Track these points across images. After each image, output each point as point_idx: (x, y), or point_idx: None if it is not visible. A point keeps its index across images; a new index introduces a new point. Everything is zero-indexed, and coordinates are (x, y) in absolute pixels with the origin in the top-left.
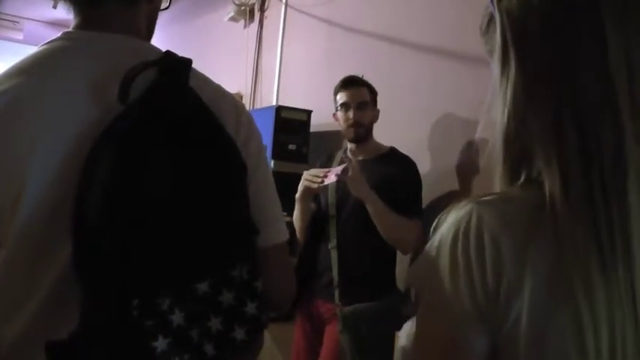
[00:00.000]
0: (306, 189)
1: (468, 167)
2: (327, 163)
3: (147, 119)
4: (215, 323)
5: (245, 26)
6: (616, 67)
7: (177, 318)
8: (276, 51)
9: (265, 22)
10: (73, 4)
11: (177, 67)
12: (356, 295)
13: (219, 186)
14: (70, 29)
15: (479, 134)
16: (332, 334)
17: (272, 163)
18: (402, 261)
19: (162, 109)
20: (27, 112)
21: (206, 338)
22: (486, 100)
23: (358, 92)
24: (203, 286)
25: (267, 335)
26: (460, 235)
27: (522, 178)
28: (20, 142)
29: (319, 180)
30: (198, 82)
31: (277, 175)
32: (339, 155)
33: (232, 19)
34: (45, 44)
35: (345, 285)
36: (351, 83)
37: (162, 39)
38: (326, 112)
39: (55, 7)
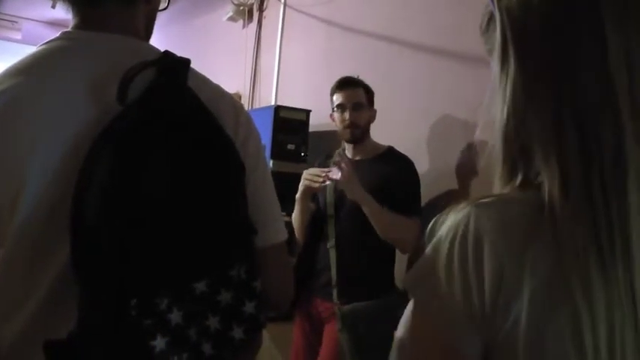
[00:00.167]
0: (307, 188)
1: (466, 167)
2: (326, 163)
3: (145, 119)
4: (213, 322)
5: (244, 26)
6: (616, 67)
7: (175, 317)
8: (274, 51)
9: (264, 22)
10: (72, 5)
11: (175, 67)
12: (354, 294)
13: (218, 186)
14: (68, 29)
15: (477, 134)
16: (331, 333)
17: (271, 162)
18: (400, 260)
19: (161, 109)
20: (26, 112)
21: (204, 337)
22: (485, 99)
23: (354, 93)
24: (201, 286)
25: (265, 335)
26: (458, 238)
27: (521, 179)
28: (19, 142)
29: (321, 180)
30: (196, 82)
31: (276, 174)
32: (337, 155)
33: (231, 19)
34: (44, 44)
35: (344, 284)
36: (346, 84)
37: (160, 39)
38: (325, 112)
39: (53, 7)
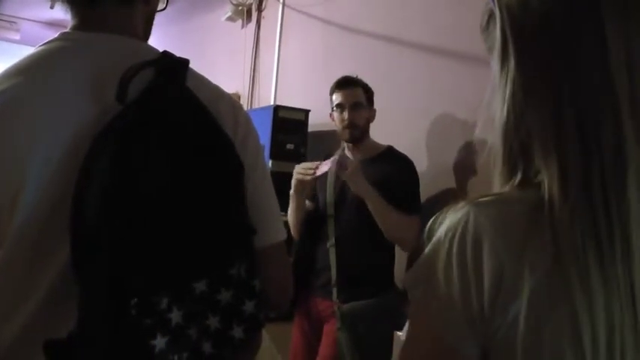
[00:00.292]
0: (299, 182)
1: (465, 166)
2: None
3: (145, 119)
4: (213, 322)
5: (242, 26)
6: (617, 67)
7: (175, 317)
8: (273, 51)
9: (263, 22)
10: (71, 5)
11: (174, 67)
12: (354, 293)
13: (218, 186)
14: (67, 30)
15: (477, 133)
16: (330, 332)
17: (270, 162)
18: (400, 260)
19: (160, 109)
20: (25, 112)
21: (204, 337)
22: (485, 97)
23: (352, 93)
24: (201, 285)
25: (265, 335)
26: (457, 238)
27: (521, 177)
28: (18, 143)
29: (311, 172)
30: (195, 82)
31: (275, 174)
32: (338, 154)
33: (230, 19)
34: (43, 45)
35: (344, 283)
36: (345, 84)
37: (159, 39)
38: (324, 112)
39: (52, 7)
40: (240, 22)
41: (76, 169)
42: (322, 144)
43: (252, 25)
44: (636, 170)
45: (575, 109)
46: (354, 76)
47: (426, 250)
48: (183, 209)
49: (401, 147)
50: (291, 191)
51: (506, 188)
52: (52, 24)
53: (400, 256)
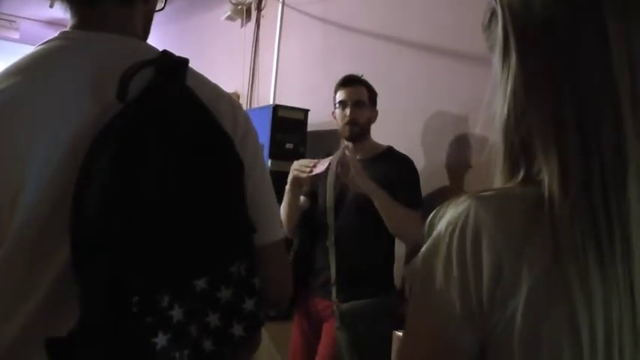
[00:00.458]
0: (295, 178)
1: (464, 165)
2: None
3: (145, 118)
4: (213, 319)
5: (242, 25)
6: (619, 67)
7: (176, 314)
8: (273, 50)
9: (262, 21)
10: (70, 4)
11: (174, 66)
12: (353, 293)
13: (218, 184)
14: (67, 29)
15: (478, 131)
16: (329, 331)
17: (269, 162)
18: (400, 259)
19: (160, 108)
20: (25, 111)
21: (205, 334)
22: (487, 95)
23: (356, 91)
24: (201, 283)
25: (264, 334)
26: (457, 231)
27: (523, 175)
28: (18, 142)
29: (308, 170)
30: (195, 81)
31: (274, 174)
32: (339, 153)
33: (229, 18)
34: (42, 44)
35: (343, 282)
36: (349, 82)
37: (158, 38)
38: (323, 111)
39: (51, 6)
40: (239, 21)
41: (76, 169)
42: (321, 143)
43: (252, 24)
44: (637, 170)
45: (576, 108)
46: (359, 75)
47: (426, 244)
48: (183, 208)
49: (400, 146)
50: (287, 186)
51: (509, 186)
52: (51, 23)
53: (400, 256)
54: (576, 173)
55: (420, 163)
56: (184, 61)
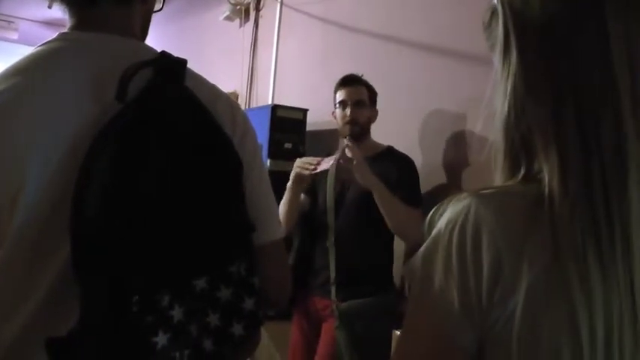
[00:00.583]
0: (298, 176)
1: (464, 165)
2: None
3: (144, 119)
4: (213, 319)
5: (240, 25)
6: (619, 66)
7: (177, 314)
8: (271, 50)
9: (261, 21)
10: (68, 5)
11: (172, 67)
12: (353, 292)
13: (217, 184)
14: (66, 30)
15: (478, 130)
16: (328, 330)
17: (268, 162)
18: (399, 258)
19: (160, 108)
20: (25, 112)
21: (205, 334)
22: (487, 93)
23: (356, 90)
24: (201, 283)
25: (264, 333)
26: (457, 228)
27: (523, 173)
28: (18, 143)
29: (312, 167)
30: (194, 82)
31: (273, 173)
32: (338, 153)
33: (228, 18)
34: (42, 45)
35: (343, 282)
36: (349, 81)
37: (157, 38)
38: (322, 111)
39: (50, 7)
40: (238, 21)
41: (75, 169)
42: (320, 143)
43: (250, 24)
44: (637, 169)
45: (575, 107)
46: (359, 75)
47: (427, 241)
48: (183, 208)
49: (400, 146)
50: (289, 183)
51: (509, 183)
52: (50, 23)
53: (399, 255)
54: (576, 171)
55: (419, 162)
56: (183, 62)
